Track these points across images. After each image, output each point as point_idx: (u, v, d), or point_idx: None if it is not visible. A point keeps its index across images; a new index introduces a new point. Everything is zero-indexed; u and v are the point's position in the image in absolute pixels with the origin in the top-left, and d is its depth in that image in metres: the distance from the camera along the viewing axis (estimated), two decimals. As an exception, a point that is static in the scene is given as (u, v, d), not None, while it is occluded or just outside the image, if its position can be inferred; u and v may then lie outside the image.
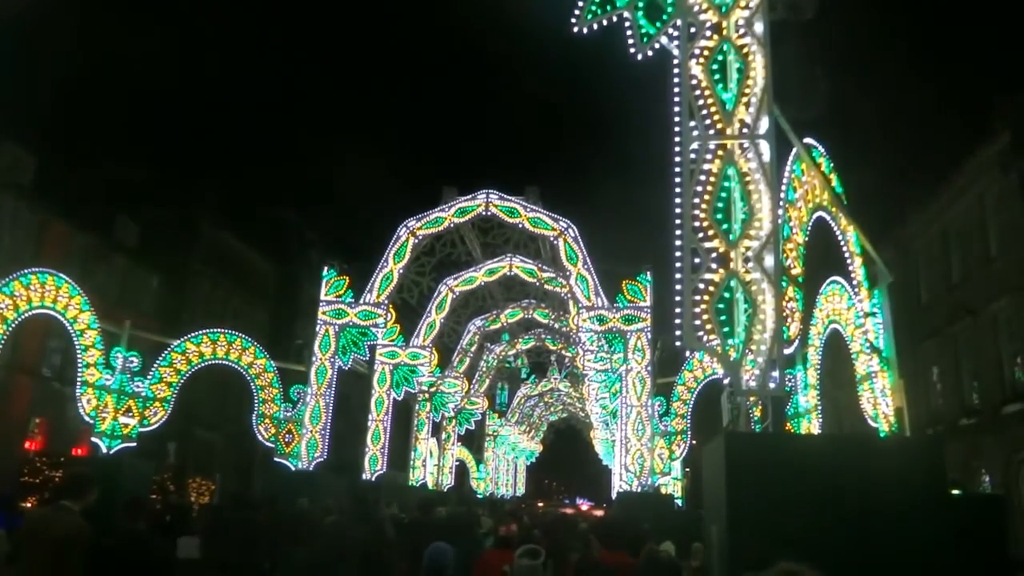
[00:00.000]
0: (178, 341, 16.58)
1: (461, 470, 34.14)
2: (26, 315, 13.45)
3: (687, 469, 23.32)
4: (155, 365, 16.05)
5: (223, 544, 9.63)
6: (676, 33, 7.75)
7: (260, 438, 16.99)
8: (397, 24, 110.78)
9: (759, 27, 7.49)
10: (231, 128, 69.54)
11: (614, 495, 19.94)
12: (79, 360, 14.68)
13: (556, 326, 24.65)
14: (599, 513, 34.12)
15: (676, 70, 7.62)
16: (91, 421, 14.92)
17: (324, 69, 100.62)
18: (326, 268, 18.78)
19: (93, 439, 15.26)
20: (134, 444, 15.47)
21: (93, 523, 5.75)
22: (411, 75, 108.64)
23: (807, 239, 8.84)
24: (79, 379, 14.73)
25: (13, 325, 13.19)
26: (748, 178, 7.20)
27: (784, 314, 7.12)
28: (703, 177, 7.18)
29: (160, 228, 32.98)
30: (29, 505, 12.38)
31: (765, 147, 7.25)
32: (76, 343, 14.52)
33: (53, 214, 27.11)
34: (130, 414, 15.34)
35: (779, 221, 7.36)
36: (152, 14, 57.42)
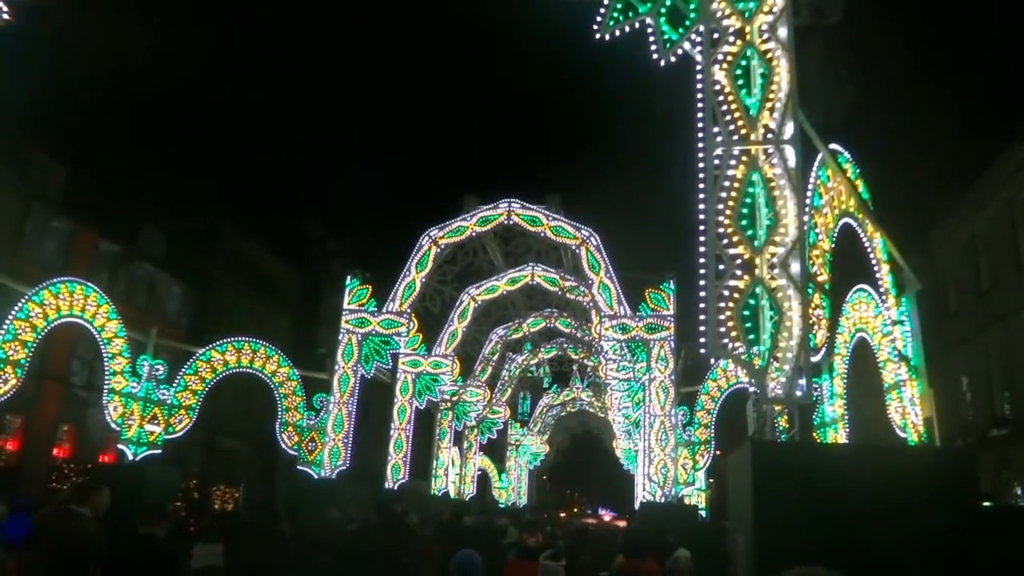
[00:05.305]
0: (203, 349, 16.73)
1: (483, 479, 34.07)
2: (55, 323, 13.63)
3: (711, 480, 23.09)
4: (180, 373, 16.21)
5: (248, 552, 9.64)
6: (699, 39, 7.71)
7: (283, 446, 17.07)
8: (419, 32, 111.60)
9: (783, 32, 7.43)
10: (254, 139, 70.33)
11: (637, 505, 19.77)
12: (106, 368, 14.86)
13: (578, 335, 24.56)
14: (622, 524, 33.86)
15: (699, 76, 7.57)
16: (118, 428, 15.09)
17: (346, 79, 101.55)
18: (349, 277, 18.86)
19: (119, 446, 15.44)
20: (159, 451, 15.63)
21: (116, 529, 5.77)
22: (432, 83, 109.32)
23: (833, 246, 8.73)
24: (106, 387, 14.91)
25: (43, 333, 13.36)
26: (773, 184, 7.12)
27: (811, 321, 7.02)
28: (727, 183, 7.12)
29: (185, 237, 33.39)
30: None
31: (790, 152, 7.18)
32: (104, 351, 14.69)
33: (81, 224, 27.52)
34: (156, 421, 15.50)
35: (805, 227, 7.27)
36: (175, 23, 58.27)
